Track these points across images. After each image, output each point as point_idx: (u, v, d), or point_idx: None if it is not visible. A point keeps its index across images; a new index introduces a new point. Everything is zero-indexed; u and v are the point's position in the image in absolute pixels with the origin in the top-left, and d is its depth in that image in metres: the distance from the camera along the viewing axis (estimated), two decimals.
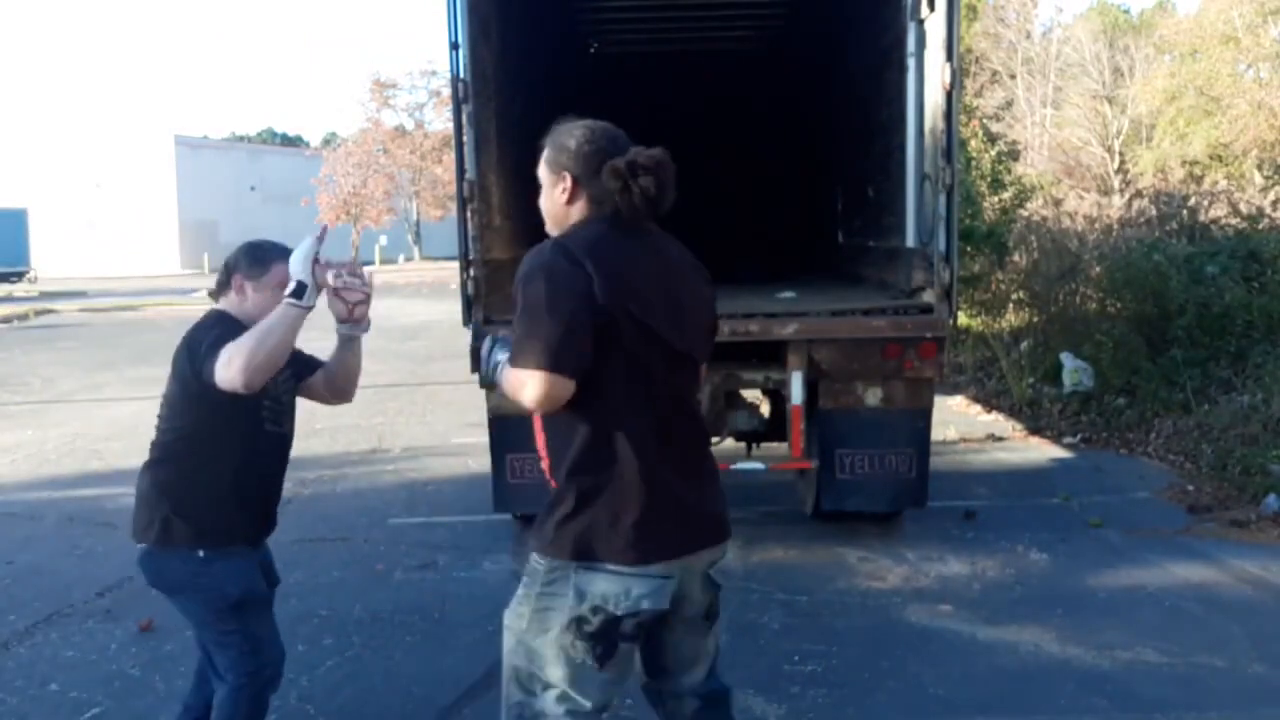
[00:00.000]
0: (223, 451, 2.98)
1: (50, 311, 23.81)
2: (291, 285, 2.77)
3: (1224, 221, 11.51)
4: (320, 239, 2.88)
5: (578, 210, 2.39)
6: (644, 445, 2.30)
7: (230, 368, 2.68)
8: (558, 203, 2.41)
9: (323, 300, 2.95)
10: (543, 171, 2.44)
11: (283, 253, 3.06)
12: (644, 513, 2.29)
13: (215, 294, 3.12)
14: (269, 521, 3.24)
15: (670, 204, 2.41)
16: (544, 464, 2.43)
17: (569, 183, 2.37)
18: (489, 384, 2.60)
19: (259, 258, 3.06)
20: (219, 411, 2.92)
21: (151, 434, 3.12)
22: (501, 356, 2.44)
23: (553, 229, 2.44)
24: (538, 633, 2.35)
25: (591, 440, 2.30)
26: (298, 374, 3.19)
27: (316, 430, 9.19)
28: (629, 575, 2.29)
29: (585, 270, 2.23)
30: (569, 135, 2.40)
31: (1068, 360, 9.47)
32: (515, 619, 2.41)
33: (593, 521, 2.29)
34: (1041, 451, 8.10)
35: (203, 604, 3.01)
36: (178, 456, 3.01)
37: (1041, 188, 17.11)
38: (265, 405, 3.05)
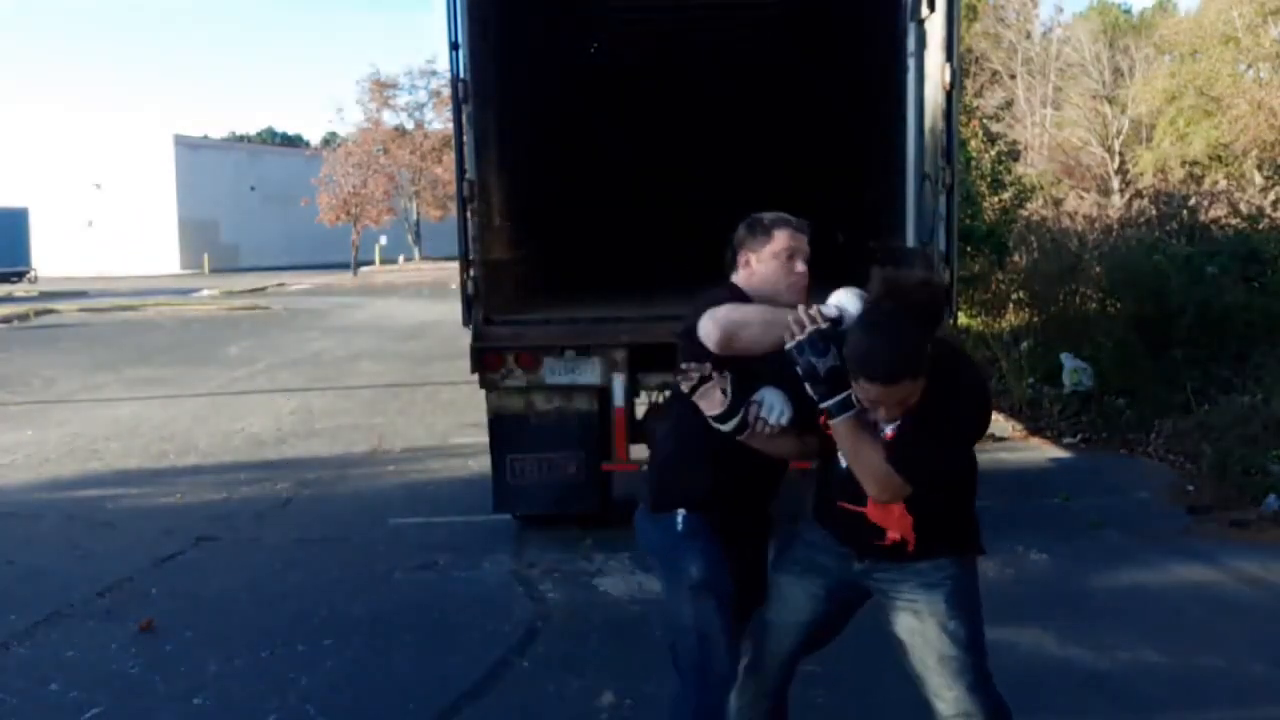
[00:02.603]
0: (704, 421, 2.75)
1: (50, 311, 23.79)
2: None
3: (1224, 221, 11.51)
4: None
5: None
6: None
7: (713, 319, 2.65)
8: None
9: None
10: None
11: (784, 221, 2.97)
12: None
13: (727, 271, 3.05)
14: (751, 514, 3.05)
15: None
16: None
17: None
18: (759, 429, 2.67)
19: (759, 227, 2.97)
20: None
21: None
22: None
23: None
24: None
25: None
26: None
27: (316, 430, 9.20)
28: None
29: None
30: None
31: (1068, 360, 9.47)
32: None
33: None
34: (1041, 452, 8.09)
35: (667, 576, 2.92)
36: (674, 420, 2.99)
37: (1041, 188, 17.14)
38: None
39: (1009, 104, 30.23)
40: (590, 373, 5.51)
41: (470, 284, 5.46)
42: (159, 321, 21.36)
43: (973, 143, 13.52)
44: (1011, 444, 8.38)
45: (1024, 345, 10.53)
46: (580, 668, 4.20)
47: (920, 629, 2.64)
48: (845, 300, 2.58)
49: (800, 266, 2.91)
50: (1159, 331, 9.21)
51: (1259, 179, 17.86)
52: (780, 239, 2.91)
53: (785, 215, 2.99)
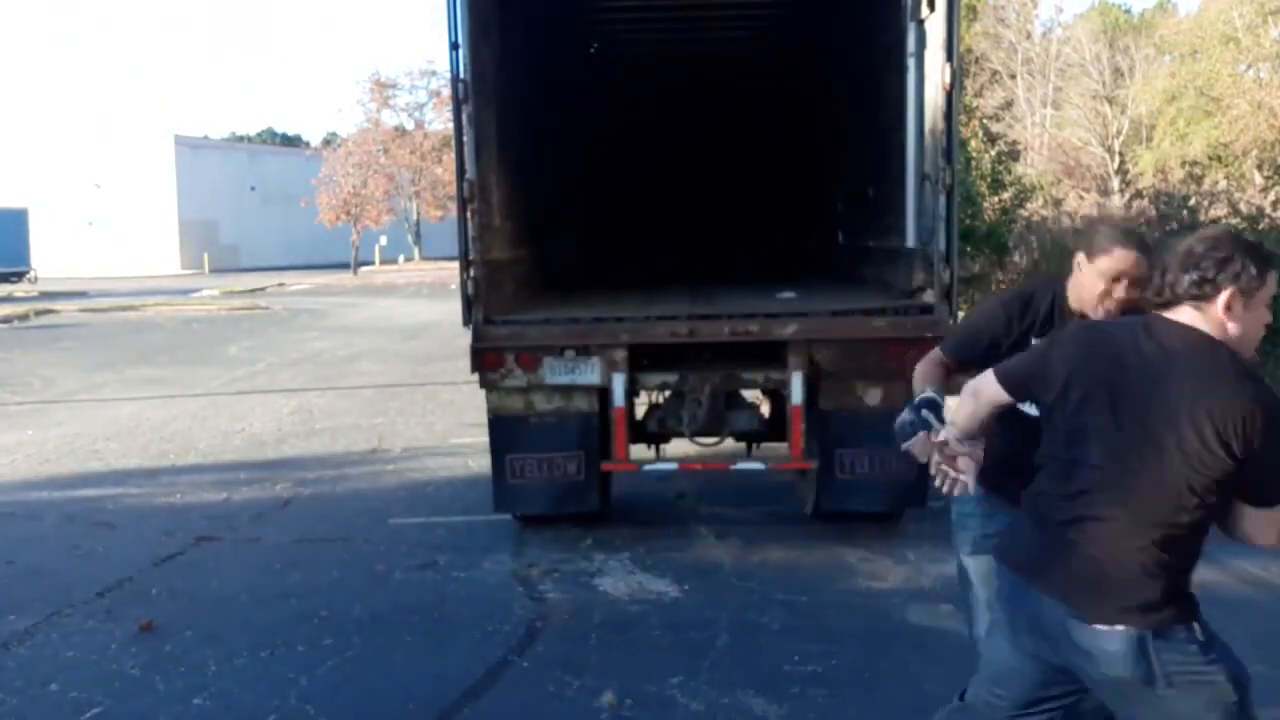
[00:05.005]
0: None
1: (50, 311, 23.80)
2: None
3: (1224, 221, 11.52)
4: None
5: None
6: None
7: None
8: None
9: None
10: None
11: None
12: None
13: (1175, 296, 2.13)
14: None
15: None
16: None
17: None
18: None
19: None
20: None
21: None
22: None
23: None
24: None
25: None
26: None
27: (316, 430, 9.20)
28: None
29: None
30: None
31: None
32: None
33: None
34: None
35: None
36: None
37: (1041, 188, 17.13)
38: None
39: (1009, 104, 30.27)
40: (590, 373, 5.51)
41: (470, 284, 5.46)
42: (159, 321, 21.36)
43: (973, 143, 13.53)
44: None
45: None
46: (580, 668, 4.20)
47: None
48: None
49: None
50: None
51: (1259, 179, 17.89)
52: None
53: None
